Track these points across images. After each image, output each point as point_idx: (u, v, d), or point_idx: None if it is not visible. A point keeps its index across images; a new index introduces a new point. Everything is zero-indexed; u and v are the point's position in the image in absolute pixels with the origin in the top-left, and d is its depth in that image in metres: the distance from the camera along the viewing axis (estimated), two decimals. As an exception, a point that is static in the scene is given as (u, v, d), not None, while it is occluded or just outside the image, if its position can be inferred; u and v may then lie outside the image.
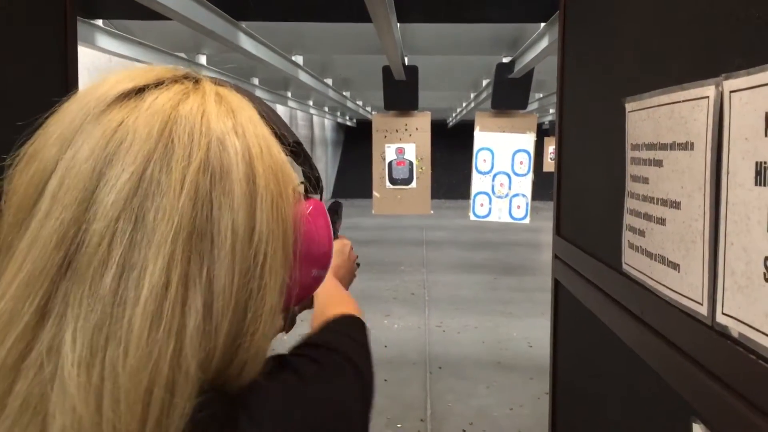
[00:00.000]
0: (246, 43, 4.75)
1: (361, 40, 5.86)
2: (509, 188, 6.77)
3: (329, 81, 8.42)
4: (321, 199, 0.73)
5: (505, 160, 6.81)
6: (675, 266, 0.74)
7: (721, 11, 0.69)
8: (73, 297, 0.49)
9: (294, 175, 0.63)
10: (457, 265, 9.43)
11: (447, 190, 19.34)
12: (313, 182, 0.71)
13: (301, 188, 0.66)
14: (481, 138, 6.68)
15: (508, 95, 6.45)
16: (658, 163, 0.79)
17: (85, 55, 2.40)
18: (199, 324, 0.50)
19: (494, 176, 6.77)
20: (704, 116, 0.67)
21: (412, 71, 6.30)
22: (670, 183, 0.75)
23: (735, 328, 0.61)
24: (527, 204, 6.58)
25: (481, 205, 6.76)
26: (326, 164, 19.79)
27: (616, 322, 0.95)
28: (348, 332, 0.83)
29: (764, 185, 0.56)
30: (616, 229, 0.96)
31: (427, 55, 6.40)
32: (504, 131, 6.73)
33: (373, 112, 13.66)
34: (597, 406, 1.12)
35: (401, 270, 9.01)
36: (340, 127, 21.96)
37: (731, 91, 0.62)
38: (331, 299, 1.03)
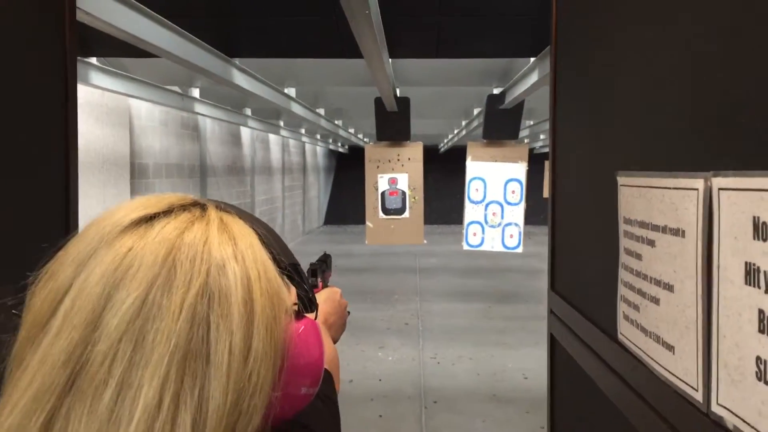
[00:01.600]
0: (239, 78, 4.79)
1: (354, 73, 5.92)
2: (502, 217, 6.80)
3: (321, 111, 8.48)
4: (315, 317, 0.76)
5: (498, 189, 6.84)
6: (670, 347, 0.75)
7: (709, 110, 0.71)
8: (74, 414, 0.52)
9: (288, 297, 0.66)
10: (450, 293, 9.42)
11: (439, 216, 19.39)
12: (306, 302, 0.73)
13: (295, 308, 0.69)
14: (473, 168, 6.72)
15: (500, 125, 6.50)
16: (651, 243, 0.80)
17: (78, 90, 2.42)
18: None
19: (487, 206, 6.79)
20: (694, 207, 0.69)
21: (403, 102, 6.36)
22: (662, 265, 0.77)
23: (730, 420, 0.62)
24: (520, 233, 6.59)
25: (474, 234, 6.77)
26: (318, 190, 19.83)
27: (613, 389, 0.96)
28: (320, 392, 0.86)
29: (754, 286, 0.58)
30: (610, 295, 0.98)
31: (418, 86, 6.46)
32: (496, 161, 6.77)
33: (365, 140, 13.72)
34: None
35: (395, 299, 8.99)
36: (332, 154, 22.03)
37: (720, 189, 0.64)
38: None
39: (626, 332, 0.91)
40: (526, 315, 7.73)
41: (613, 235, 0.97)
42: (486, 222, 6.85)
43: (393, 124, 6.56)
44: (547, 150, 16.99)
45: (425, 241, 6.75)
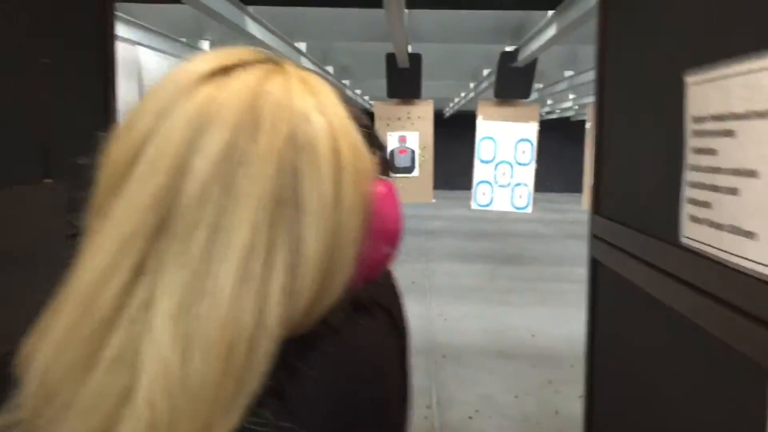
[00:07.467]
0: (252, 27, 4.72)
1: (365, 27, 5.82)
2: (511, 177, 6.76)
3: (330, 69, 8.38)
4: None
5: (508, 149, 6.78)
6: (750, 235, 0.74)
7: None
8: (166, 256, 0.52)
9: (370, 155, 0.66)
10: (456, 254, 9.45)
11: (444, 181, 19.29)
12: (380, 164, 0.73)
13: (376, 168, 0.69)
14: (483, 127, 6.65)
15: (512, 84, 6.41)
16: (729, 134, 0.79)
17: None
18: (284, 285, 0.53)
19: (496, 165, 6.75)
20: (787, 82, 0.67)
21: (415, 59, 6.27)
22: (743, 152, 0.75)
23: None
24: (529, 193, 6.56)
25: (483, 194, 6.74)
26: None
27: (671, 294, 0.96)
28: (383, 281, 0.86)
29: None
30: (671, 203, 0.97)
31: (430, 43, 6.35)
32: (507, 120, 6.70)
33: (371, 102, 13.60)
34: (645, 383, 1.12)
35: (401, 259, 9.00)
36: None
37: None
38: None
39: (692, 233, 0.90)
40: (533, 276, 7.76)
41: (675, 141, 0.95)
42: (495, 182, 6.82)
43: (404, 82, 6.48)
44: (554, 116, 16.71)
45: (434, 200, 6.73)
